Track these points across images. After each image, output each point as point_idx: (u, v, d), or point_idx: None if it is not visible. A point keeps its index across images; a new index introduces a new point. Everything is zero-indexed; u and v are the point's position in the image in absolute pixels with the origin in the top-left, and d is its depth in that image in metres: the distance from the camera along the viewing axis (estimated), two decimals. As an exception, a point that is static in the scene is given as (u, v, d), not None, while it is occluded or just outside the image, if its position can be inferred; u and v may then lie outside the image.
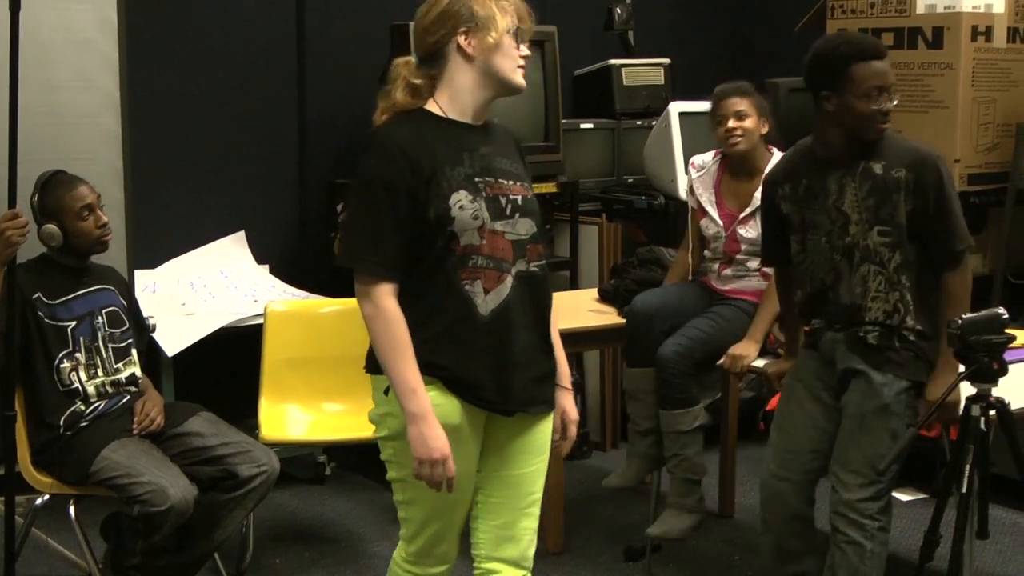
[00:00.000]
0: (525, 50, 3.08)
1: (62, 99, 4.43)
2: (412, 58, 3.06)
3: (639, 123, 6.33)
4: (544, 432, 3.17)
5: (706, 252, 4.65)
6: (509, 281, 3.00)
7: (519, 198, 3.06)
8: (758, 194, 4.33)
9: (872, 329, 3.67)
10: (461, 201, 2.94)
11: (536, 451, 3.16)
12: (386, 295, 2.92)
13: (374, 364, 3.00)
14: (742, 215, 4.45)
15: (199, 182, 5.76)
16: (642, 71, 6.45)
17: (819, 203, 3.72)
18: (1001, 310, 3.32)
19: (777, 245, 3.91)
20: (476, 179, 2.98)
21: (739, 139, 4.41)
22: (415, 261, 2.95)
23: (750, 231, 4.43)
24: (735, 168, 4.50)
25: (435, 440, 2.90)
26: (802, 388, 3.87)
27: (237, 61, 5.82)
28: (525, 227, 3.05)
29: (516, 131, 3.33)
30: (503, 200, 3.02)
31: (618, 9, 6.52)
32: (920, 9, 5.19)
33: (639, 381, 4.51)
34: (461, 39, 2.99)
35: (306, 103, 5.95)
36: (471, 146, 3.02)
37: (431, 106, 3.03)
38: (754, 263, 4.46)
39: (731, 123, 4.41)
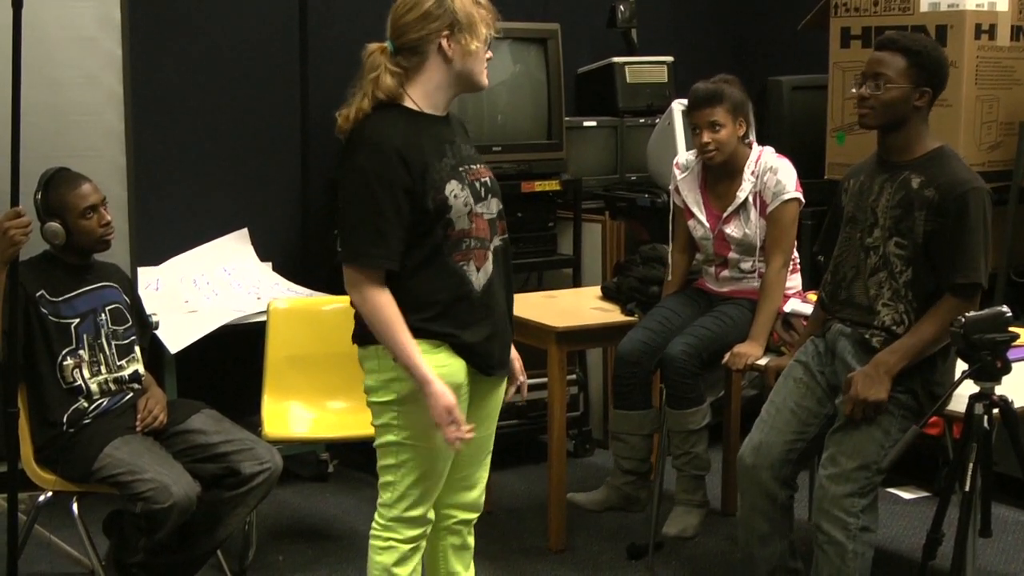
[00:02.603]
0: (490, 52, 3.29)
1: (65, 96, 4.44)
2: (387, 45, 3.22)
3: (642, 121, 6.33)
4: (501, 395, 3.49)
5: (698, 255, 4.64)
6: (490, 256, 3.27)
7: (487, 180, 3.32)
8: (740, 193, 4.38)
9: (878, 333, 3.70)
10: (455, 190, 3.18)
11: (496, 414, 3.50)
12: (376, 284, 3.14)
13: (365, 336, 3.24)
14: (725, 214, 4.42)
15: (202, 179, 5.77)
16: (645, 69, 6.45)
17: (864, 200, 3.76)
18: (1004, 308, 3.31)
19: (832, 237, 3.93)
20: (459, 168, 3.23)
21: (713, 153, 4.36)
22: (412, 249, 3.15)
23: (735, 231, 4.41)
24: (716, 171, 4.46)
25: (448, 398, 3.15)
26: (801, 369, 3.89)
27: (240, 58, 5.82)
28: (495, 206, 3.32)
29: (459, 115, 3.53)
30: (478, 184, 3.27)
31: (621, 7, 6.51)
32: (924, 7, 5.18)
33: (625, 423, 4.51)
34: (443, 42, 3.18)
35: (309, 100, 5.95)
36: (448, 138, 3.25)
37: (406, 100, 3.21)
38: (747, 264, 4.45)
39: (705, 137, 4.35)
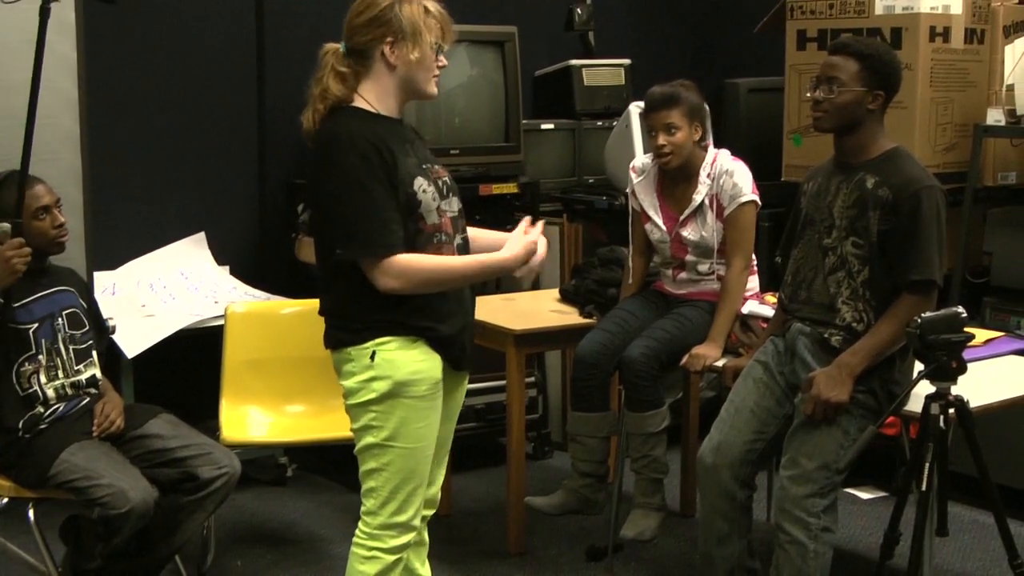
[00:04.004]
0: (443, 61, 3.32)
1: (19, 100, 4.39)
2: (340, 47, 3.27)
3: (600, 123, 6.34)
4: (463, 393, 3.53)
5: (656, 257, 4.63)
6: (456, 253, 3.33)
7: (447, 179, 3.37)
8: (696, 196, 4.38)
9: (836, 332, 3.72)
10: (423, 185, 3.23)
11: (458, 412, 3.54)
12: (400, 260, 3.15)
13: (339, 339, 3.26)
14: (682, 217, 4.42)
15: (159, 183, 5.74)
16: (602, 72, 6.46)
17: (821, 201, 3.79)
18: (960, 309, 3.34)
19: (792, 240, 3.95)
20: (423, 166, 3.28)
21: (669, 156, 4.36)
22: None
23: (692, 233, 4.41)
24: (672, 174, 4.46)
25: (518, 246, 3.29)
26: (761, 369, 3.92)
27: (197, 61, 5.79)
28: (456, 204, 3.37)
29: (416, 128, 3.56)
30: (440, 183, 3.32)
31: (578, 10, 6.53)
32: (879, 10, 5.21)
33: (583, 425, 4.49)
34: (386, 48, 3.22)
35: (266, 104, 5.93)
36: (408, 138, 3.30)
37: (360, 102, 3.25)
38: (705, 266, 4.45)
39: (661, 139, 4.36)
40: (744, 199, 4.37)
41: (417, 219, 3.21)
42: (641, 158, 4.69)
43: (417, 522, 3.36)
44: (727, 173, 4.38)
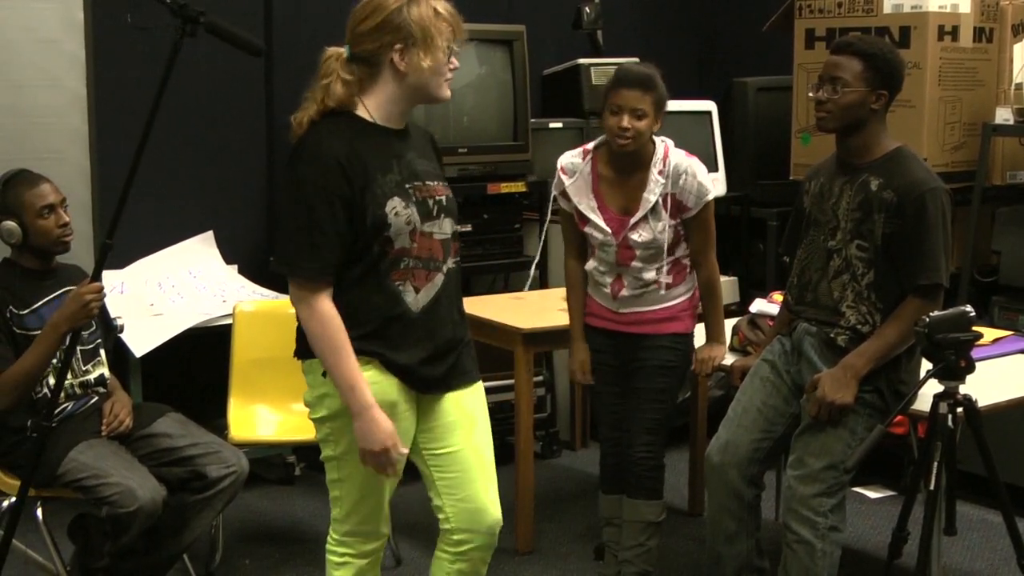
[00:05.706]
0: (455, 63, 3.16)
1: (28, 98, 4.42)
2: (343, 52, 3.14)
3: (608, 122, 6.33)
4: (475, 401, 3.33)
5: (592, 263, 4.22)
6: (440, 278, 3.18)
7: (443, 199, 3.20)
8: (649, 195, 4.04)
9: (842, 332, 3.72)
10: (396, 208, 3.07)
11: (472, 422, 3.31)
12: (322, 298, 3.05)
13: (305, 350, 3.16)
14: (633, 220, 4.06)
15: (167, 182, 5.73)
16: (611, 70, 6.39)
17: (824, 203, 3.79)
18: (968, 308, 3.34)
19: (795, 238, 3.94)
20: (406, 185, 3.11)
21: (628, 141, 3.98)
22: (349, 264, 3.07)
23: (644, 234, 4.05)
24: (617, 164, 4.11)
25: (380, 432, 3.04)
26: (768, 368, 3.92)
27: (205, 60, 5.79)
28: (449, 226, 3.21)
29: (428, 128, 3.45)
30: (430, 202, 3.16)
31: (587, 8, 6.52)
32: (887, 8, 5.21)
33: (615, 508, 4.36)
34: (396, 56, 3.07)
35: (274, 103, 5.93)
36: (399, 152, 3.15)
37: (359, 109, 3.12)
38: (651, 273, 4.10)
39: (625, 121, 3.96)
40: (710, 197, 4.09)
41: (384, 242, 3.06)
42: (569, 157, 4.26)
43: (385, 529, 3.31)
44: (687, 173, 4.04)
